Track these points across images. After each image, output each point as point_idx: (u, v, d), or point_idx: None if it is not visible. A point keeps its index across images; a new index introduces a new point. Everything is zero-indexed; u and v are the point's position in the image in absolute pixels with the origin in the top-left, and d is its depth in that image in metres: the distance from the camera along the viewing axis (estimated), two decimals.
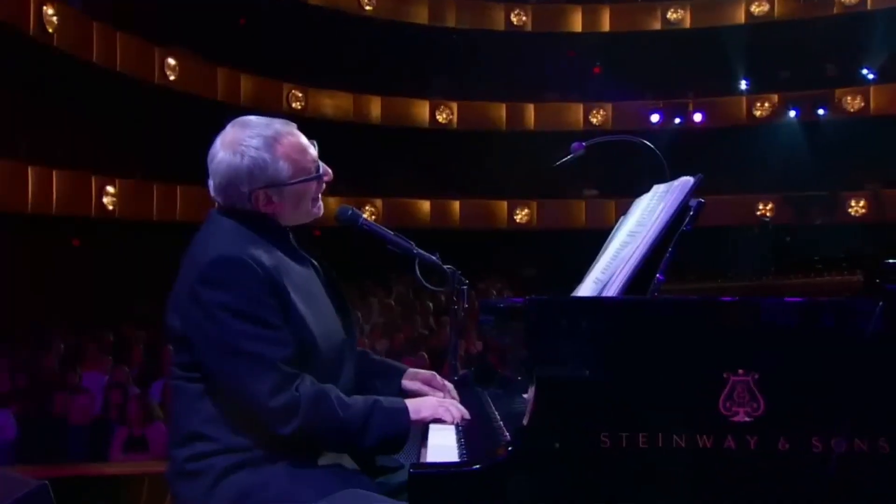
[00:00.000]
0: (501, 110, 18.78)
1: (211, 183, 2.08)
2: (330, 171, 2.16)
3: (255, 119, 2.09)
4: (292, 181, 2.05)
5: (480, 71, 18.34)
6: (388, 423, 2.00)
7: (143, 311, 11.59)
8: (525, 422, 1.80)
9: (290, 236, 2.17)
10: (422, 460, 1.89)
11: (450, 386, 2.40)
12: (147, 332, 10.30)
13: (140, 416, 6.41)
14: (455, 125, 18.58)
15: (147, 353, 9.27)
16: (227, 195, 2.06)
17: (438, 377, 2.43)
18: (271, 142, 2.04)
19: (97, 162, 13.23)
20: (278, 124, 2.08)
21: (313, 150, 2.12)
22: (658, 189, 2.26)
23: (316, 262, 2.21)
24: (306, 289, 2.07)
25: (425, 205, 18.08)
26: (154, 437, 6.31)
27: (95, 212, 13.16)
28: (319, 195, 2.17)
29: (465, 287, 2.71)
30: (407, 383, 2.37)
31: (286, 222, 2.13)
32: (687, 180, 2.12)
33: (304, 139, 2.11)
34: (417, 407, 2.10)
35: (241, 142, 2.03)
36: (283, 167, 2.03)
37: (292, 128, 2.11)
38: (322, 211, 2.19)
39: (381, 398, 2.05)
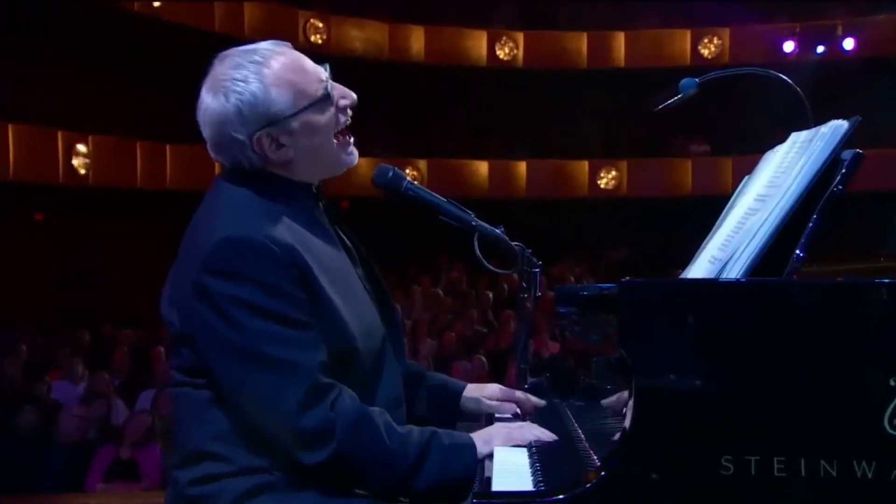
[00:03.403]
0: (581, 42, 18.60)
1: (207, 142, 2.11)
2: (351, 93, 2.16)
3: (237, 49, 2.11)
4: (296, 110, 2.06)
5: None
6: (450, 462, 2.01)
7: (128, 304, 11.85)
8: (621, 442, 1.80)
9: (321, 205, 2.19)
10: (489, 487, 1.90)
11: (534, 400, 2.41)
12: (133, 332, 10.54)
13: (137, 434, 6.53)
14: (521, 62, 18.48)
15: (133, 357, 9.49)
16: (224, 151, 2.09)
17: (515, 393, 2.45)
18: (258, 68, 2.05)
19: (64, 115, 13.50)
20: (265, 46, 2.10)
21: (319, 70, 2.13)
22: (798, 138, 2.22)
23: (350, 243, 2.24)
24: (340, 274, 2.10)
25: (482, 167, 18.08)
26: (147, 462, 6.44)
27: (63, 177, 13.49)
28: (349, 135, 2.17)
29: (536, 271, 2.71)
30: (467, 405, 2.40)
31: (310, 177, 2.15)
32: (838, 125, 2.08)
33: (302, 58, 2.12)
34: (486, 438, 2.12)
35: (223, 77, 2.05)
36: (279, 95, 2.05)
37: (284, 47, 2.12)
38: (357, 157, 2.20)
39: (440, 430, 2.07)
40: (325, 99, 2.11)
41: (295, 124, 2.07)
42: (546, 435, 2.18)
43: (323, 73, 2.13)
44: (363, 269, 2.25)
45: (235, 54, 2.08)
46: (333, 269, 2.08)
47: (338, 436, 1.93)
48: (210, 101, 2.05)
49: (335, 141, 2.14)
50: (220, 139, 2.07)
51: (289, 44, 2.14)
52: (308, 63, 2.12)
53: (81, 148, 13.71)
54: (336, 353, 2.01)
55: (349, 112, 2.17)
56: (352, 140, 2.18)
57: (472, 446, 2.07)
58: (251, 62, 2.05)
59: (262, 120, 2.04)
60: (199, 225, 2.07)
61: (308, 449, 1.94)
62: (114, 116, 14.21)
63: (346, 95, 2.16)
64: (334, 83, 2.14)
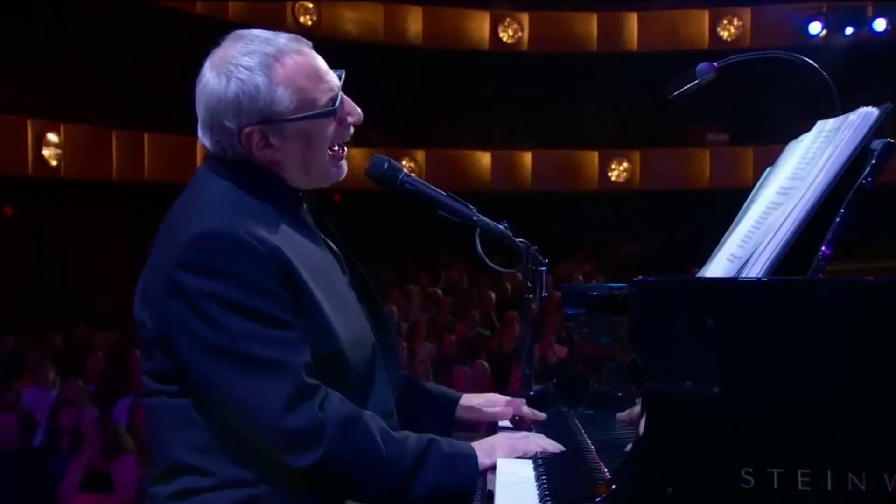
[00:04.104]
0: (591, 24, 18.62)
1: (199, 131, 2.12)
2: (358, 110, 2.18)
3: (256, 32, 2.11)
4: (295, 116, 2.07)
5: None
6: (449, 470, 2.02)
7: (103, 305, 11.87)
8: (633, 453, 1.79)
9: (305, 206, 2.20)
10: (492, 501, 1.91)
11: (539, 415, 2.42)
12: (109, 334, 10.54)
13: (103, 445, 6.55)
14: (526, 46, 18.49)
15: (109, 362, 9.49)
16: (212, 135, 2.09)
17: (517, 403, 2.46)
18: (270, 61, 2.05)
19: (34, 101, 13.46)
20: (284, 39, 2.10)
21: (332, 78, 2.14)
22: (824, 127, 2.22)
23: (336, 248, 2.25)
24: (327, 279, 2.10)
25: (485, 158, 18.10)
26: (121, 475, 6.46)
27: (33, 169, 13.49)
28: (343, 148, 2.18)
29: (542, 269, 2.71)
30: (464, 415, 2.41)
31: (296, 180, 2.15)
32: (868, 113, 2.08)
33: (319, 61, 2.13)
34: (489, 448, 2.12)
35: (231, 60, 2.06)
36: (284, 96, 2.05)
37: (303, 45, 2.12)
38: (345, 171, 2.21)
39: (439, 438, 2.08)
40: (330, 113, 2.12)
41: (290, 129, 2.08)
42: (553, 446, 2.18)
43: (336, 81, 2.14)
44: (352, 276, 2.26)
45: (250, 39, 2.08)
46: (321, 272, 2.08)
47: (328, 437, 1.93)
48: (211, 79, 2.06)
49: (328, 153, 2.15)
50: (209, 121, 2.08)
51: (309, 43, 2.14)
52: (322, 67, 2.13)
53: (52, 137, 13.72)
54: (322, 359, 2.01)
55: (352, 130, 2.19)
56: (345, 153, 2.19)
57: (474, 456, 2.08)
58: (264, 53, 2.06)
59: (258, 115, 2.05)
60: (176, 218, 2.08)
61: (295, 451, 1.93)
62: (87, 103, 14.17)
63: (352, 112, 2.17)
64: (344, 96, 2.15)
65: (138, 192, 13.82)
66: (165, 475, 2.05)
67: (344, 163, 2.20)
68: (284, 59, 2.06)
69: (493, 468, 2.09)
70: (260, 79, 2.04)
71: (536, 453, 2.14)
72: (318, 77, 2.11)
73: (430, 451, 2.02)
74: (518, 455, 2.13)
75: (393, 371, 2.27)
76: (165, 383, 2.05)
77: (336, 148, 2.16)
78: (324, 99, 2.10)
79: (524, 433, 2.30)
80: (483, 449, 2.11)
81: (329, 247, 2.23)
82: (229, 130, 2.06)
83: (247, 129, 2.05)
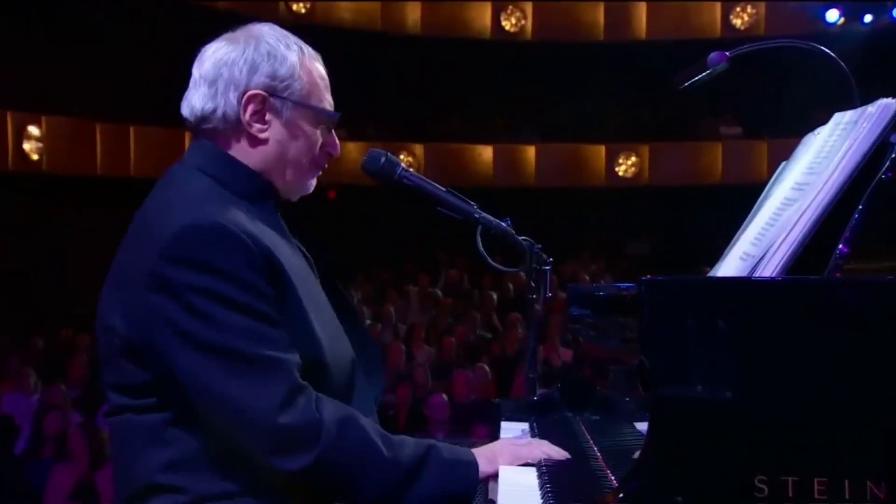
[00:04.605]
0: (598, 12, 18.64)
1: (189, 93, 2.13)
2: (338, 146, 2.26)
3: (280, 28, 2.20)
4: (303, 104, 2.14)
5: None
6: (449, 477, 2.03)
7: (86, 306, 11.81)
8: (641, 460, 1.80)
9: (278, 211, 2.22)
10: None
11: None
12: (93, 337, 10.53)
13: (87, 453, 6.57)
14: (529, 34, 18.50)
15: (94, 366, 9.50)
16: (209, 88, 2.11)
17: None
18: (297, 48, 2.16)
19: (14, 93, 13.47)
20: (303, 43, 2.20)
21: (330, 98, 2.22)
22: (841, 119, 2.22)
23: (307, 254, 2.26)
24: (307, 285, 2.11)
25: (486, 152, 18.11)
26: (106, 485, 6.48)
27: (13, 163, 13.51)
28: (317, 165, 2.22)
29: (546, 269, 2.71)
30: None
31: (268, 172, 2.17)
32: (887, 104, 2.08)
33: (326, 79, 2.22)
34: (491, 456, 2.13)
35: (257, 33, 2.14)
36: (302, 82, 2.15)
37: (319, 59, 2.22)
38: (312, 188, 2.26)
39: (438, 443, 2.09)
40: (330, 116, 2.20)
41: (290, 113, 2.14)
42: (557, 452, 2.19)
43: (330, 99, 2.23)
44: (325, 287, 2.26)
45: (280, 32, 2.18)
46: (301, 278, 2.10)
47: (323, 437, 1.93)
48: (228, 47, 2.13)
49: (305, 160, 2.19)
50: (214, 74, 2.11)
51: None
52: (328, 86, 2.23)
53: (34, 130, 13.72)
54: (305, 366, 2.00)
55: (325, 164, 2.25)
56: (318, 172, 2.25)
57: (474, 463, 2.09)
58: (295, 44, 2.17)
59: (270, 83, 2.11)
60: (151, 215, 2.07)
61: (287, 452, 1.93)
62: (70, 94, 14.18)
63: (336, 145, 2.25)
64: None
65: (124, 189, 13.79)
66: (134, 498, 2.04)
67: (314, 182, 2.25)
68: (311, 59, 2.19)
69: (494, 476, 2.09)
70: (288, 53, 2.13)
71: (540, 461, 2.15)
72: (327, 87, 2.21)
73: (430, 457, 2.03)
74: (521, 462, 2.14)
75: (375, 386, 2.27)
76: (137, 397, 2.03)
77: (313, 165, 2.22)
78: (326, 105, 2.20)
79: (527, 440, 2.30)
80: (485, 456, 2.12)
81: (303, 254, 2.24)
82: (235, 83, 2.10)
83: (252, 91, 2.10)
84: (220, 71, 2.11)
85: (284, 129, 2.14)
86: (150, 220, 2.05)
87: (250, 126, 2.11)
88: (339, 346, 2.14)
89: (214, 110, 2.11)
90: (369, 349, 2.29)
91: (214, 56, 2.12)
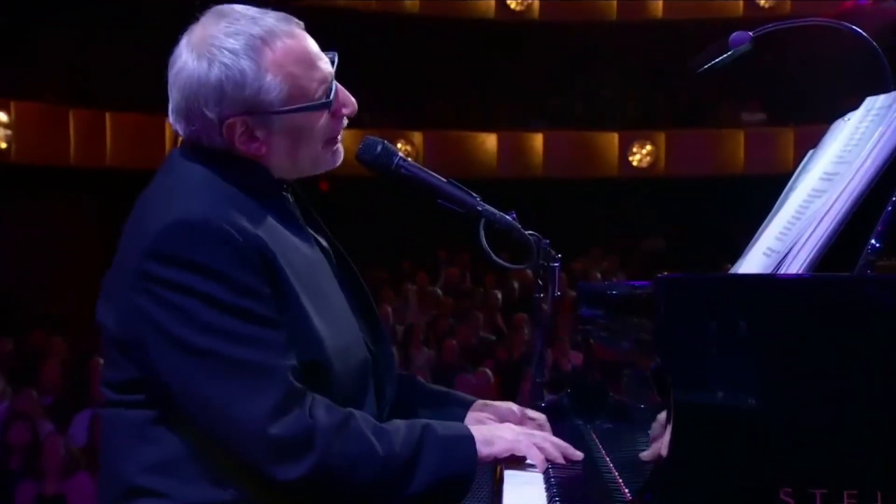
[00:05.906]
0: None
1: (170, 104, 2.12)
2: (353, 100, 2.19)
3: (240, 8, 2.11)
4: (286, 108, 2.08)
5: None
6: (447, 456, 2.04)
7: (60, 307, 11.86)
8: (657, 472, 1.80)
9: (290, 198, 2.21)
10: None
11: (542, 419, 2.42)
12: (67, 340, 10.53)
13: (57, 464, 6.55)
14: (536, 14, 18.51)
15: (67, 372, 9.50)
16: (188, 123, 2.09)
17: (527, 411, 2.45)
18: (258, 44, 2.06)
19: None
20: (272, 19, 2.10)
21: (325, 65, 2.15)
22: (874, 104, 2.23)
23: (327, 244, 2.26)
24: (314, 280, 2.11)
25: (490, 140, 18.13)
26: (77, 496, 6.48)
27: None
28: (338, 135, 2.20)
29: (555, 266, 2.71)
30: (473, 418, 2.39)
31: (282, 173, 2.17)
32: None
33: (311, 45, 2.14)
34: (489, 436, 2.13)
35: (213, 41, 2.05)
36: (274, 85, 2.06)
37: (294, 26, 2.13)
38: (341, 157, 2.23)
39: (433, 422, 2.10)
40: (324, 105, 2.13)
41: (279, 122, 2.09)
42: (559, 446, 2.20)
43: (328, 66, 2.15)
44: (345, 278, 2.26)
45: (235, 17, 2.08)
46: (307, 272, 2.10)
47: (319, 445, 1.94)
48: (189, 62, 2.06)
49: (318, 147, 2.17)
50: (186, 108, 2.08)
51: (300, 23, 2.14)
52: (315, 52, 2.13)
53: (2, 117, 13.74)
54: (304, 368, 2.01)
55: (345, 122, 2.20)
56: (340, 138, 2.21)
57: (470, 437, 2.10)
58: (251, 34, 2.06)
59: (244, 105, 2.05)
60: (146, 207, 2.08)
61: (282, 462, 1.93)
62: (41, 79, 14.19)
63: (347, 103, 2.18)
64: (338, 85, 2.16)
65: (99, 179, 13.85)
66: (119, 499, 2.04)
67: (340, 148, 2.21)
68: (274, 41, 2.07)
69: (492, 459, 2.12)
70: (246, 64, 2.04)
71: (549, 471, 2.14)
72: (310, 63, 2.11)
73: (426, 439, 2.04)
74: (519, 454, 2.15)
75: (388, 385, 2.28)
76: (125, 393, 2.05)
77: (332, 138, 2.19)
78: (317, 89, 2.12)
79: (530, 431, 2.27)
80: (482, 436, 2.12)
81: (319, 244, 2.23)
82: (209, 120, 2.06)
83: (230, 121, 2.06)
84: (189, 104, 2.06)
85: (281, 136, 2.11)
86: (145, 212, 2.06)
87: (244, 146, 2.09)
88: (347, 346, 2.14)
89: (200, 139, 2.10)
90: (384, 344, 2.29)
91: (178, 78, 2.07)
